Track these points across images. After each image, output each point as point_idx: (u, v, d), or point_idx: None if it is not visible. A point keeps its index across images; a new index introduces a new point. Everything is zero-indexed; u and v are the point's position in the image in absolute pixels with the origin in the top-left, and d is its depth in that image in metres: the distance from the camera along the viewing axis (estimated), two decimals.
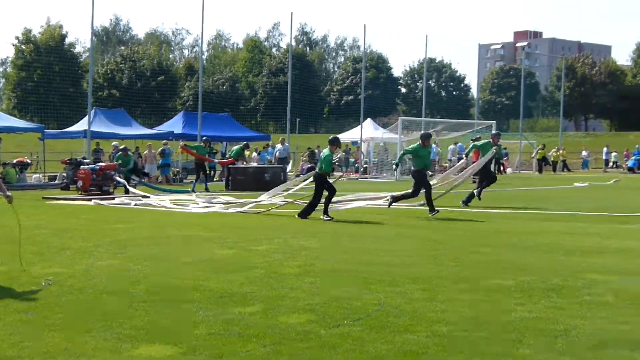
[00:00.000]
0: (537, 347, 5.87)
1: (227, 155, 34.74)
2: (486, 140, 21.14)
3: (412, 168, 17.93)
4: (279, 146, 37.13)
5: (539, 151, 52.34)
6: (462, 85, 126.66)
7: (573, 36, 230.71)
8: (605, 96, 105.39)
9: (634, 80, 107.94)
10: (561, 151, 55.62)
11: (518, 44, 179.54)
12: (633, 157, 55.97)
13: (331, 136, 18.02)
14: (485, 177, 19.96)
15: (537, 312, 7.10)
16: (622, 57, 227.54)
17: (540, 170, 50.55)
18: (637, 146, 58.31)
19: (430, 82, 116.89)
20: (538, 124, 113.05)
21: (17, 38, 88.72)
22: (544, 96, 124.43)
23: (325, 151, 17.03)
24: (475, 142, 21.68)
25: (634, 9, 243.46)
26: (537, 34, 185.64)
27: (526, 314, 7.02)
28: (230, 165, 30.58)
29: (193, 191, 26.55)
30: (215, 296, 7.86)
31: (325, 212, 16.30)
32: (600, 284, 8.53)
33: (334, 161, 17.01)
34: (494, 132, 22.10)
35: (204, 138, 31.89)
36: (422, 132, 18.56)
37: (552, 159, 52.55)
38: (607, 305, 7.41)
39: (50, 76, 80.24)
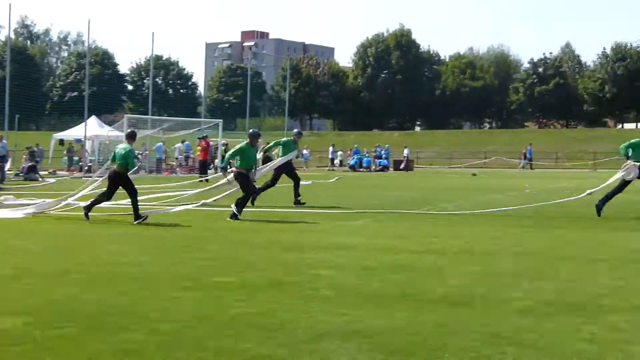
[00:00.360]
0: (257, 341, 6.01)
1: None
2: (288, 139, 21.17)
3: (235, 169, 16.80)
4: None
5: (262, 149, 53.54)
6: (190, 83, 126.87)
7: (298, 37, 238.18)
8: (328, 96, 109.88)
9: (355, 82, 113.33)
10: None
11: (245, 44, 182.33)
12: (355, 156, 58.91)
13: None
14: (293, 178, 20.11)
15: (258, 307, 7.25)
16: (344, 59, 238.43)
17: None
18: (355, 145, 61.50)
19: (157, 79, 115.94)
20: (265, 123, 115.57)
21: None
22: (270, 96, 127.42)
23: (123, 146, 15.56)
24: (278, 140, 21.56)
25: (355, 12, 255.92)
26: (263, 34, 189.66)
27: (248, 309, 7.16)
28: None
29: None
30: None
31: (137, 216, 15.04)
32: (322, 278, 8.85)
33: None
34: (295, 130, 21.97)
35: None
36: (251, 130, 17.69)
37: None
38: (327, 298, 7.72)
39: None
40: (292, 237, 12.83)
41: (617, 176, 17.03)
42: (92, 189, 17.38)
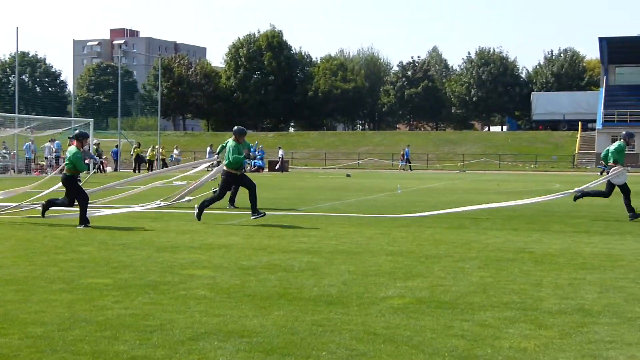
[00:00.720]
0: (133, 342, 5.93)
1: None
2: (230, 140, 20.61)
3: (224, 168, 15.95)
4: None
5: (135, 150, 52.92)
6: (58, 81, 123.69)
7: (170, 36, 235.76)
8: (201, 97, 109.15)
9: (227, 82, 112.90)
10: (161, 150, 56.74)
11: (115, 42, 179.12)
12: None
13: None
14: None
15: (133, 308, 7.15)
16: (216, 59, 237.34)
17: (137, 169, 51.04)
18: (256, 143, 61.11)
19: (23, 77, 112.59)
20: (137, 123, 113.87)
21: None
22: (142, 95, 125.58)
23: (71, 149, 14.89)
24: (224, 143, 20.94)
25: (227, 12, 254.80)
26: (134, 33, 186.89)
27: (123, 311, 7.05)
28: None
29: None
30: None
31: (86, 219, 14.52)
32: (197, 278, 8.82)
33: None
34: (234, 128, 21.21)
35: None
36: (237, 127, 16.67)
37: (148, 158, 53.31)
38: (204, 298, 7.68)
39: None
40: (167, 238, 12.70)
41: (603, 180, 17.69)
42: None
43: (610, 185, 17.14)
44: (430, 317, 6.94)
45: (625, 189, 17.05)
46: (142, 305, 7.30)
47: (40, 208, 15.76)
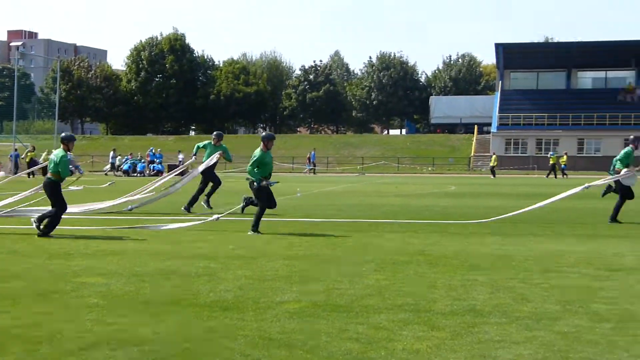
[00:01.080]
0: (20, 354, 5.77)
1: None
2: (208, 142, 20.15)
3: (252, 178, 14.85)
4: None
5: (28, 153, 51.80)
6: None
7: (69, 39, 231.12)
8: (101, 100, 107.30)
9: (128, 85, 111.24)
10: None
11: (12, 44, 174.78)
12: (128, 161, 57.87)
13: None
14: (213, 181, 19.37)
15: (22, 319, 6.96)
16: (117, 62, 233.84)
17: (31, 174, 49.86)
18: (151, 149, 60.20)
19: None
20: (34, 126, 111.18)
21: None
22: (39, 98, 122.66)
23: (58, 152, 13.88)
24: (198, 144, 20.46)
25: (128, 15, 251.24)
26: (32, 34, 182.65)
27: (11, 321, 6.84)
28: None
29: None
30: None
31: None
32: (90, 286, 8.62)
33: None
34: (215, 132, 20.55)
35: None
36: (265, 132, 15.67)
37: (42, 161, 52.24)
38: (96, 306, 7.52)
39: None
40: (60, 244, 12.40)
41: (609, 180, 17.83)
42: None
43: (624, 187, 17.17)
44: (325, 320, 6.97)
45: (628, 194, 17.12)
46: (32, 315, 7.12)
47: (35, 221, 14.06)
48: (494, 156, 60.50)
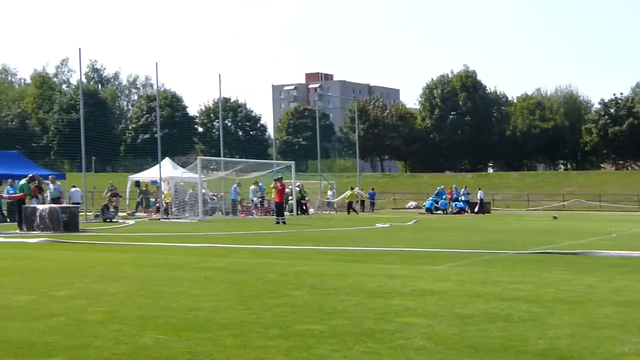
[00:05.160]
0: None
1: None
2: None
3: None
4: (50, 185, 33.83)
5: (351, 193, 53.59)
6: (259, 125, 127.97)
7: (363, 79, 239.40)
8: (397, 138, 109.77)
9: (423, 123, 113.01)
10: (360, 190, 57.44)
11: (310, 86, 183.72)
12: (431, 199, 58.23)
13: None
14: None
15: (352, 357, 6.94)
16: (409, 101, 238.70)
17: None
18: (441, 186, 60.51)
19: (226, 121, 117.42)
20: (335, 165, 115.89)
21: None
22: (339, 137, 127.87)
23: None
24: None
25: (419, 54, 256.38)
26: (328, 76, 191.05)
27: None
28: (23, 204, 29.29)
29: None
30: (12, 347, 7.26)
31: None
32: (413, 327, 8.47)
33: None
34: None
35: None
36: None
37: (347, 200, 54.12)
38: (423, 349, 7.35)
39: None
40: (376, 283, 12.47)
41: None
42: None
43: None
44: None
45: None
46: (361, 355, 7.07)
47: None
48: None
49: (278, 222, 34.27)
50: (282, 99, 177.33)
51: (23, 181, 30.58)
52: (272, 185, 38.04)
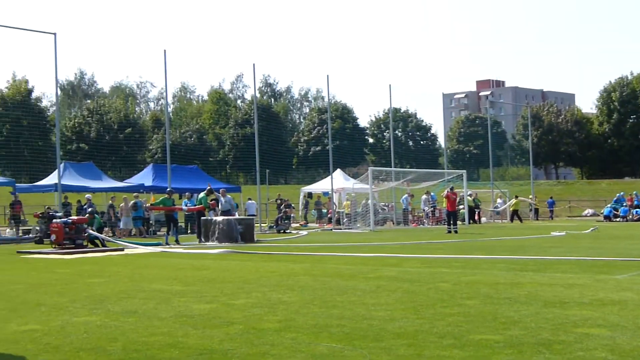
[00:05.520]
0: None
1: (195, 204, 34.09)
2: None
3: None
4: (221, 198, 34.32)
5: (515, 202, 52.75)
6: (429, 134, 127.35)
7: (536, 84, 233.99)
8: (573, 144, 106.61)
9: (600, 128, 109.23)
10: (535, 199, 56.20)
11: (481, 93, 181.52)
12: (608, 206, 56.12)
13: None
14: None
15: None
16: (586, 105, 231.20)
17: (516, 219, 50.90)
18: (620, 193, 58.19)
19: (397, 131, 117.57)
20: (508, 173, 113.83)
21: None
22: (511, 145, 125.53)
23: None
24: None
25: (595, 57, 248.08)
26: (499, 83, 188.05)
27: None
28: (201, 216, 30.47)
29: (167, 244, 26.37)
30: (194, 354, 7.55)
31: None
32: (593, 338, 8.20)
33: None
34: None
35: (168, 189, 31.99)
36: None
37: (512, 209, 53.12)
38: None
39: (19, 130, 79.78)
40: (553, 292, 12.16)
41: None
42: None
43: None
44: None
45: None
46: None
47: None
48: None
49: (449, 232, 34.10)
50: (453, 107, 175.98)
51: (202, 194, 31.78)
52: (443, 194, 37.84)
